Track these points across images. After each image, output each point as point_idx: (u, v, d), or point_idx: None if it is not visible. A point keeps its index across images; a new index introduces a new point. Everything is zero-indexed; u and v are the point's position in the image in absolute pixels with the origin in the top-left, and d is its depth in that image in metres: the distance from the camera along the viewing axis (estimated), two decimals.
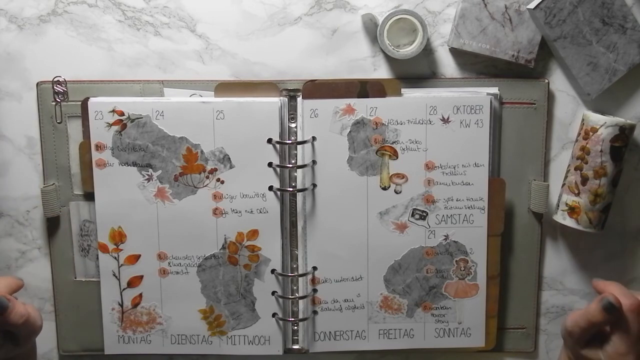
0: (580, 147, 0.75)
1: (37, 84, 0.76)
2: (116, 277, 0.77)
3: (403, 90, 0.75)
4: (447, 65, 0.78)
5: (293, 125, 0.76)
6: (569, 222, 0.76)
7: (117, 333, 0.78)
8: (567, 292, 0.82)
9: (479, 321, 0.78)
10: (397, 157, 0.76)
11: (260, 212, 0.76)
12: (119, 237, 0.77)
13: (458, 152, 0.75)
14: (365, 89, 0.75)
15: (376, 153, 0.76)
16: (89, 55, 0.77)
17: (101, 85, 0.76)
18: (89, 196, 0.77)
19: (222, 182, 0.75)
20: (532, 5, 0.73)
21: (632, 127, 0.74)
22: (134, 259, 0.77)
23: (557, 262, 0.81)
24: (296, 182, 0.77)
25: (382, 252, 0.77)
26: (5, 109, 0.77)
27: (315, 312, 0.78)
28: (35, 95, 0.76)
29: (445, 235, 0.77)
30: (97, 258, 0.77)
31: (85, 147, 0.75)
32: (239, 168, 0.75)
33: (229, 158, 0.75)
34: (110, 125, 0.75)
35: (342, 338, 0.79)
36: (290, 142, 0.76)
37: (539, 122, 0.77)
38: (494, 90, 0.76)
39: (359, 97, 0.75)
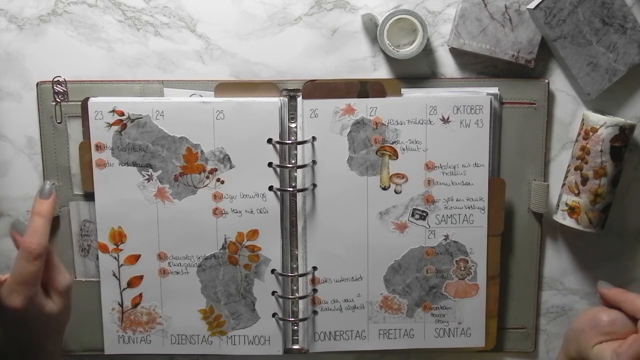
0: (580, 147, 0.75)
1: (37, 84, 0.76)
2: (116, 277, 0.77)
3: (403, 90, 0.75)
4: (447, 65, 0.78)
5: (293, 125, 0.76)
6: (569, 222, 0.76)
7: (117, 333, 0.78)
8: (567, 292, 0.82)
9: (479, 321, 0.78)
10: (397, 157, 0.76)
11: (260, 212, 0.76)
12: (119, 237, 0.76)
13: (458, 152, 0.75)
14: (365, 89, 0.75)
15: (376, 153, 0.76)
16: (89, 55, 0.77)
17: (101, 85, 0.76)
18: (89, 196, 0.77)
19: (222, 182, 0.75)
20: (532, 5, 0.73)
21: (632, 127, 0.74)
22: (134, 259, 0.77)
23: (557, 262, 0.81)
24: (296, 182, 0.77)
25: (382, 252, 0.77)
26: (5, 109, 0.77)
27: (315, 312, 0.78)
28: (35, 95, 0.76)
29: (445, 235, 0.77)
30: (97, 258, 0.77)
31: (85, 147, 0.75)
32: (239, 168, 0.75)
33: (229, 158, 0.75)
34: (110, 125, 0.75)
35: (342, 338, 0.79)
36: (290, 142, 0.76)
37: (539, 122, 0.77)
38: (494, 90, 0.76)
39: (359, 97, 0.75)
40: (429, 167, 0.76)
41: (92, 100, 0.75)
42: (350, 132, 0.75)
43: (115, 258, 0.77)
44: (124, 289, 0.78)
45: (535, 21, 0.74)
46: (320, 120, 0.75)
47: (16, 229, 0.68)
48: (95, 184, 0.76)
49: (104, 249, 0.77)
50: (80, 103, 0.75)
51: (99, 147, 0.75)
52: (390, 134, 0.75)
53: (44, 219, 0.67)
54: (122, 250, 0.77)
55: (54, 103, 0.76)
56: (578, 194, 0.75)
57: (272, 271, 0.77)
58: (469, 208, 0.76)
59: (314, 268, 0.77)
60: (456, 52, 0.77)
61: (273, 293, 0.78)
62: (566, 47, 0.75)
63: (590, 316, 0.69)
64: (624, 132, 0.74)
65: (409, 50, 0.74)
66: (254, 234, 0.76)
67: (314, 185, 0.76)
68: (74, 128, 0.76)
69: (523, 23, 0.75)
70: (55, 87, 0.76)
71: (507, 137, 0.77)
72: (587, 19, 0.74)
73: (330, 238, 0.77)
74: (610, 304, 0.70)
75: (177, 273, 0.77)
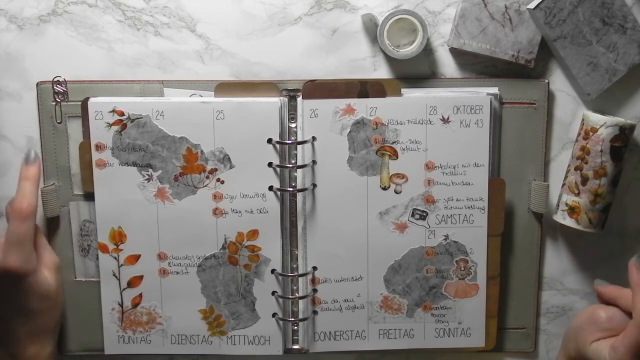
0: (580, 147, 0.75)
1: (37, 84, 0.76)
2: (116, 277, 0.77)
3: (403, 90, 0.75)
4: (447, 65, 0.78)
5: (293, 125, 0.76)
6: (569, 222, 0.76)
7: (117, 333, 0.78)
8: (567, 292, 0.82)
9: (479, 321, 0.78)
10: (397, 157, 0.76)
11: (260, 212, 0.76)
12: (119, 237, 0.76)
13: (458, 152, 0.75)
14: (365, 89, 0.75)
15: (376, 153, 0.76)
16: (89, 55, 0.77)
17: (101, 85, 0.76)
18: (89, 196, 0.77)
19: (222, 182, 0.75)
20: (532, 5, 0.73)
21: (632, 127, 0.74)
22: (134, 259, 0.77)
23: (557, 262, 0.81)
24: (296, 182, 0.77)
25: (382, 252, 0.77)
26: (5, 109, 0.77)
27: (315, 312, 0.78)
28: (35, 95, 0.76)
29: (445, 235, 0.77)
30: (97, 258, 0.77)
31: (85, 147, 0.75)
32: (239, 168, 0.75)
33: (229, 158, 0.75)
34: (110, 125, 0.75)
35: (342, 338, 0.79)
36: (290, 142, 0.76)
37: (539, 122, 0.77)
38: (494, 90, 0.76)
39: (359, 97, 0.75)
40: (429, 167, 0.76)
41: (92, 100, 0.75)
42: (350, 132, 0.75)
43: (115, 258, 0.77)
44: (124, 289, 0.78)
45: (535, 21, 0.74)
46: (320, 120, 0.75)
47: (28, 159, 0.73)
48: (95, 184, 0.76)
49: (104, 249, 0.77)
50: (80, 103, 0.75)
51: (99, 147, 0.75)
52: (390, 134, 0.75)
53: (31, 182, 0.72)
54: (122, 250, 0.77)
55: (54, 103, 0.76)
56: (578, 194, 0.75)
57: (272, 271, 0.77)
58: (469, 208, 0.76)
59: (314, 268, 0.77)
60: (456, 52, 0.77)
61: (273, 293, 0.78)
62: (566, 47, 0.75)
63: (588, 314, 0.70)
64: (624, 132, 0.74)
65: (409, 50, 0.74)
66: (254, 234, 0.76)
67: (314, 185, 0.76)
68: (74, 128, 0.76)
69: (523, 23, 0.75)
70: (55, 87, 0.76)
71: (507, 137, 0.77)
72: (587, 19, 0.74)
73: (330, 238, 0.77)
74: (607, 301, 0.70)
75: (177, 273, 0.77)
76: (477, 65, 0.77)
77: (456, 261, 0.77)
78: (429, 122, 0.75)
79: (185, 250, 0.77)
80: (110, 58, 0.77)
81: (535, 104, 0.77)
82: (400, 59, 0.75)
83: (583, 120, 0.76)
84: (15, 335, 0.71)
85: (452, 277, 0.78)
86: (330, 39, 0.77)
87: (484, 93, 0.75)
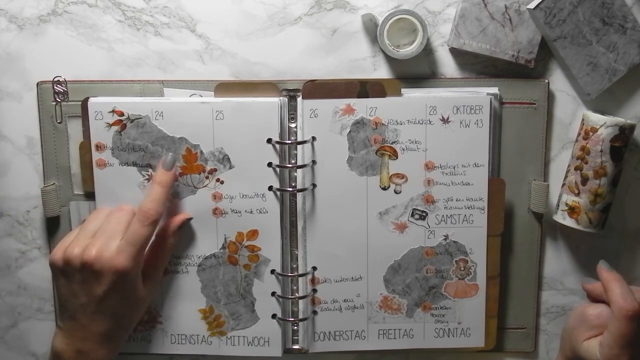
0: (580, 147, 0.75)
1: (37, 84, 0.76)
2: None
3: (403, 90, 0.75)
4: (447, 65, 0.77)
5: (293, 125, 0.76)
6: (569, 222, 0.76)
7: None
8: (567, 292, 0.82)
9: (478, 321, 0.78)
10: (397, 157, 0.76)
11: (260, 212, 0.76)
12: None
13: (458, 152, 0.75)
14: (365, 89, 0.75)
15: (376, 153, 0.75)
16: (89, 55, 0.77)
17: (101, 85, 0.76)
18: (89, 196, 0.77)
19: (222, 182, 0.75)
20: (532, 5, 0.73)
21: (632, 127, 0.74)
22: None
23: (557, 262, 0.81)
24: (296, 182, 0.77)
25: (381, 252, 0.77)
26: (5, 109, 0.77)
27: (315, 312, 0.78)
28: (35, 95, 0.77)
29: (445, 236, 0.77)
30: None
31: (85, 147, 0.76)
32: (238, 168, 0.75)
33: (229, 158, 0.75)
34: (110, 125, 0.75)
35: (342, 338, 0.79)
36: (290, 142, 0.76)
37: (539, 122, 0.77)
38: (494, 90, 0.76)
39: (358, 97, 0.75)
40: (429, 167, 0.76)
41: (92, 100, 0.75)
42: (350, 132, 0.75)
43: None
44: None
45: (535, 21, 0.74)
46: (320, 120, 0.75)
47: (165, 165, 0.73)
48: (96, 184, 0.76)
49: None
50: (80, 103, 0.75)
51: (99, 147, 0.75)
52: (390, 134, 0.75)
53: (164, 188, 0.72)
54: None
55: (54, 103, 0.76)
56: (578, 194, 0.75)
57: (272, 271, 0.77)
58: (468, 208, 0.76)
59: (314, 268, 0.77)
60: (456, 52, 0.77)
61: (273, 294, 0.77)
62: (566, 47, 0.74)
63: (579, 313, 0.70)
64: (624, 132, 0.74)
65: (409, 50, 0.74)
66: (253, 234, 0.76)
67: (314, 185, 0.76)
68: (74, 128, 0.77)
69: (523, 23, 0.75)
70: (55, 87, 0.76)
71: (507, 137, 0.77)
72: (587, 19, 0.74)
73: (330, 238, 0.77)
74: (595, 298, 0.71)
75: (177, 272, 0.77)
76: (477, 65, 0.77)
77: (456, 261, 0.77)
78: (428, 122, 0.75)
79: (186, 249, 0.77)
80: (110, 58, 0.77)
81: (535, 104, 0.77)
82: (400, 59, 0.75)
83: (583, 120, 0.76)
84: (93, 332, 0.69)
85: (451, 277, 0.78)
86: (330, 39, 0.77)
87: (484, 93, 0.75)
